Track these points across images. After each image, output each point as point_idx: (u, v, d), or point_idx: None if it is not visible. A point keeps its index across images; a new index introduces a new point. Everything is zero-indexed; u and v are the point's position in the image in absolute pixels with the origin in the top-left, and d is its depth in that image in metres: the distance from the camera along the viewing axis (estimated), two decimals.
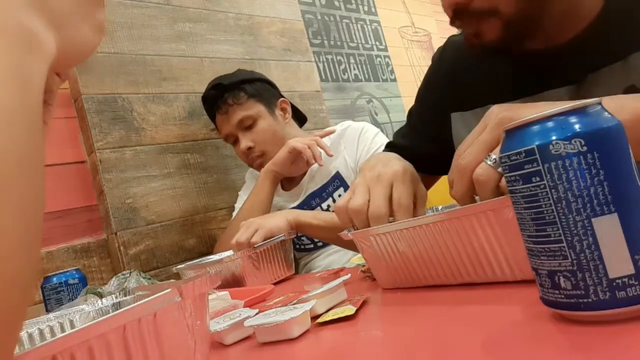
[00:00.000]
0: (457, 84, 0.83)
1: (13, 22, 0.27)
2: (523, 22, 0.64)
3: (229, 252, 1.10)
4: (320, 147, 1.28)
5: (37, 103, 0.27)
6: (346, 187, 1.34)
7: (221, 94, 1.38)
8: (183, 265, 1.12)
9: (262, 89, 1.41)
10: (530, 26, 0.65)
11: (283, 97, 1.47)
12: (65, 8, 0.31)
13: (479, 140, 0.47)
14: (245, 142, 1.36)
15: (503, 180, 0.42)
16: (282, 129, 1.40)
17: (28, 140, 0.25)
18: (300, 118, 1.57)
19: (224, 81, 1.40)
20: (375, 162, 0.64)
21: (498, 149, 0.38)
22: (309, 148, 1.27)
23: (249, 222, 1.11)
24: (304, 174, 1.40)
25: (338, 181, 1.35)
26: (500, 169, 0.44)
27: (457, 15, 0.68)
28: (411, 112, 0.94)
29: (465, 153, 0.48)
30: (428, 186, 0.76)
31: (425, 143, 0.86)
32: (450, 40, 0.91)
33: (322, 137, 1.32)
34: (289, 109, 1.46)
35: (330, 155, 1.30)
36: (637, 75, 0.61)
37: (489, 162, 0.46)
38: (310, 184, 1.39)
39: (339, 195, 1.35)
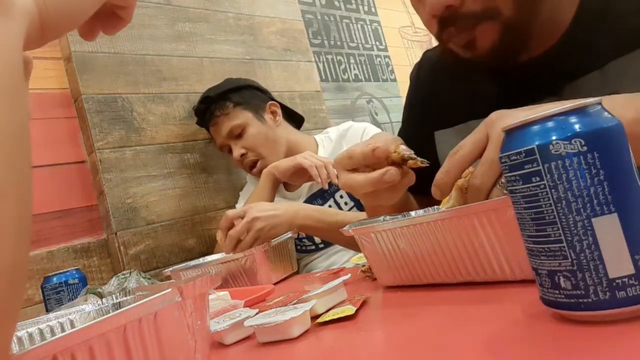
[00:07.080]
0: (436, 102, 0.80)
1: None
2: (520, 27, 0.61)
3: (219, 255, 1.10)
4: (328, 171, 1.25)
5: (13, 67, 0.26)
6: None
7: (209, 107, 1.41)
8: (169, 270, 1.09)
9: (248, 96, 1.43)
10: (524, 34, 0.62)
11: (273, 99, 1.47)
12: None
13: (491, 159, 0.46)
14: (237, 150, 1.39)
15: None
16: (273, 132, 1.42)
17: (9, 104, 0.25)
18: (296, 119, 1.57)
19: (211, 93, 1.43)
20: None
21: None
22: (316, 168, 1.24)
23: (255, 223, 1.03)
24: None
25: None
26: (506, 191, 0.45)
27: (446, 24, 0.62)
28: (399, 134, 0.90)
29: (478, 174, 0.48)
30: (421, 206, 0.72)
31: None
32: (426, 55, 0.87)
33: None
34: (279, 111, 1.47)
35: (334, 184, 1.28)
36: (615, 83, 0.60)
37: (499, 186, 0.46)
38: (312, 185, 1.39)
39: (341, 196, 1.35)
